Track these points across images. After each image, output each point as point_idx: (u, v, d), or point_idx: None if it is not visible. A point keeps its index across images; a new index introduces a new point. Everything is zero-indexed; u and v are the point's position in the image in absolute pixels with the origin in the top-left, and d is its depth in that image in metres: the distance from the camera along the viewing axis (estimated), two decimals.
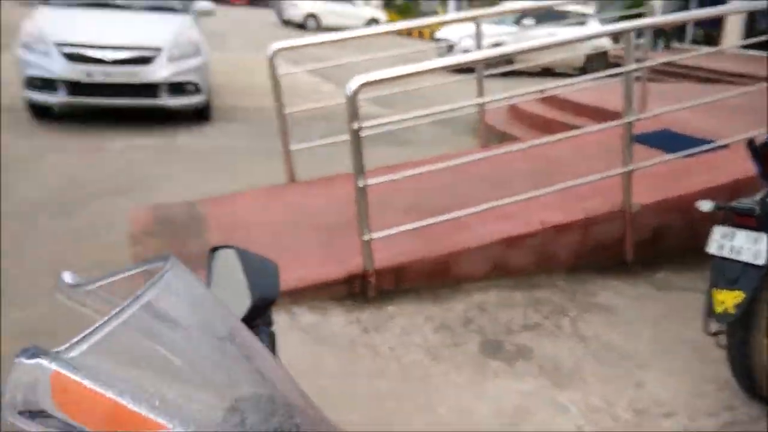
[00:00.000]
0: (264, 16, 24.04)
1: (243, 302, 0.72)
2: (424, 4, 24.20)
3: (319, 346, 2.48)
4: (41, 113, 5.97)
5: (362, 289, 2.87)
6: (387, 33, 6.17)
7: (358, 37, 4.38)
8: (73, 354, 0.39)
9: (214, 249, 0.81)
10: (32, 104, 5.86)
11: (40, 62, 5.59)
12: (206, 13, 7.32)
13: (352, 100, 2.58)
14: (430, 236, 3.09)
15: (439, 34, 13.03)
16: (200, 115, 6.48)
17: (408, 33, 17.00)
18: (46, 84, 5.64)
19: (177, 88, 6.06)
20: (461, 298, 2.90)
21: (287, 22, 22.76)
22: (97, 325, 0.42)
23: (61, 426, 0.36)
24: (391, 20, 19.97)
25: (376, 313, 2.75)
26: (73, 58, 5.60)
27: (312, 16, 21.76)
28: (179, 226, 3.53)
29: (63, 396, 0.36)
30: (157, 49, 5.92)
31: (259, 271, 0.75)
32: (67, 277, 0.61)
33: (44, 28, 5.76)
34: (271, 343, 0.73)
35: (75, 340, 0.40)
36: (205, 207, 3.81)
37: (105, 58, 5.70)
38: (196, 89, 6.18)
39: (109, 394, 0.38)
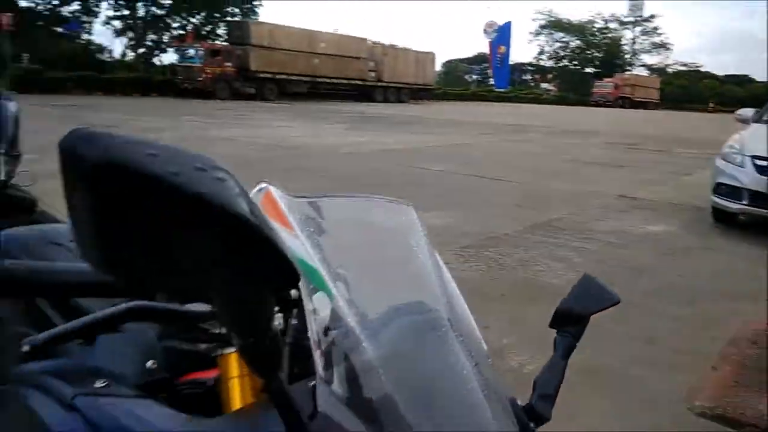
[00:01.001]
0: None
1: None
2: None
3: None
4: (721, 218, 6.29)
5: None
6: None
7: None
8: (297, 199, 0.74)
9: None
10: (715, 208, 6.27)
11: (732, 172, 5.93)
12: None
13: None
14: None
15: None
16: None
17: None
18: (732, 192, 5.92)
19: None
20: None
21: None
22: (315, 195, 0.77)
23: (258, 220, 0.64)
24: None
25: None
26: (764, 170, 5.66)
27: None
28: None
29: (264, 201, 0.71)
30: None
31: (585, 294, 0.83)
32: None
33: (744, 142, 6.07)
34: (565, 352, 0.79)
35: (300, 195, 0.76)
36: None
37: None
38: None
39: (287, 215, 0.71)
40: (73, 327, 0.74)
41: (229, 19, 35.31)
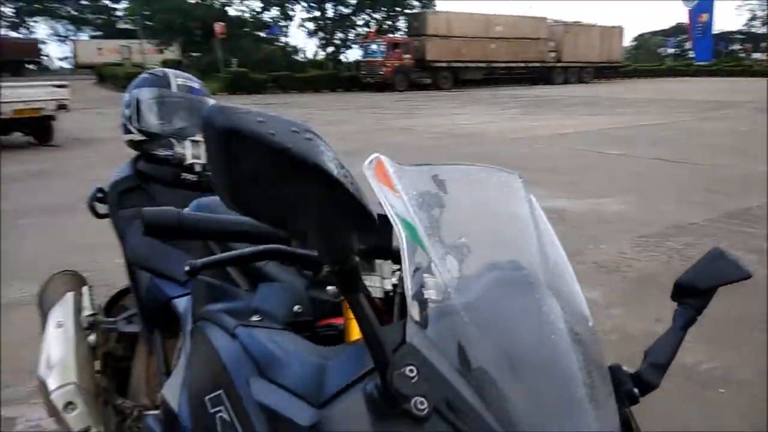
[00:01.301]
0: None
1: None
2: None
3: None
4: None
5: None
6: None
7: None
8: (405, 167, 0.80)
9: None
10: None
11: None
12: None
13: None
14: None
15: None
16: None
17: None
18: None
19: None
20: None
21: None
22: (423, 163, 0.84)
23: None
24: None
25: None
26: None
27: None
28: None
29: (377, 169, 0.77)
30: None
31: (711, 267, 0.82)
32: None
33: None
34: (684, 324, 0.80)
35: (409, 165, 0.82)
36: None
37: None
38: None
39: (394, 181, 0.77)
40: (223, 258, 0.93)
41: (408, 11, 36.24)
